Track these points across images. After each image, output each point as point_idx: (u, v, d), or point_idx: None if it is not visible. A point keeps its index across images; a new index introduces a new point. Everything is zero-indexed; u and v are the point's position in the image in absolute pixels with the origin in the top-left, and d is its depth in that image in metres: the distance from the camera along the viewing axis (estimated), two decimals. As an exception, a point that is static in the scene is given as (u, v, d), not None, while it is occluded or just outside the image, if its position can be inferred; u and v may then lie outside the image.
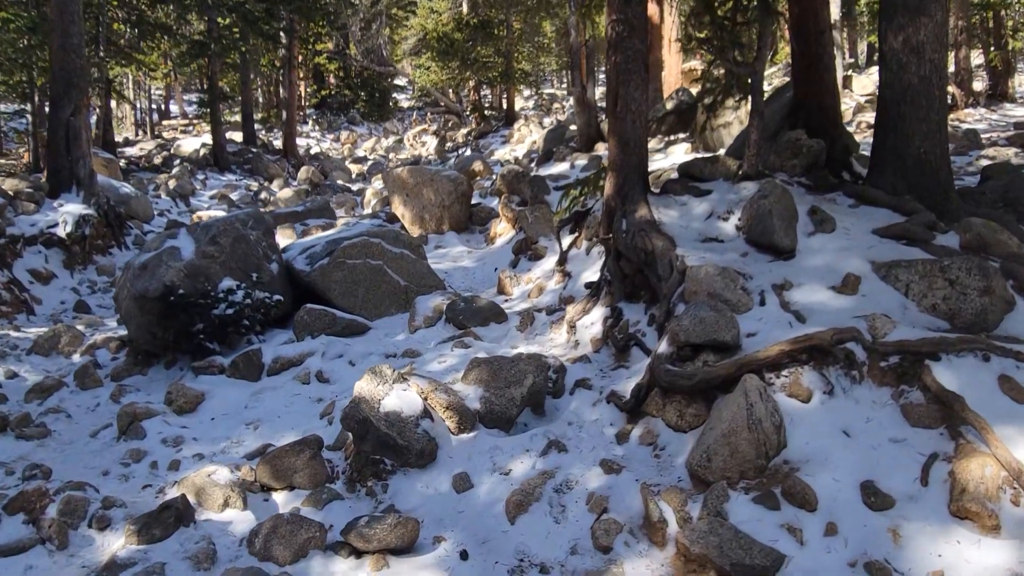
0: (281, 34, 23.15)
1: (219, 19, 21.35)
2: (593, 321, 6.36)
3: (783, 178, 6.32)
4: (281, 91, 25.64)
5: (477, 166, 16.54)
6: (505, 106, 30.13)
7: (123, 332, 7.56)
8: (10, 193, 10.76)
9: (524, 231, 9.10)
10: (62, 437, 5.46)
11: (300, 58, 24.97)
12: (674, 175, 7.47)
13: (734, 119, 9.19)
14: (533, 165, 13.07)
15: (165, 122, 41.66)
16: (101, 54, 18.43)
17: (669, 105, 13.99)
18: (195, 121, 42.79)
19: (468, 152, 27.98)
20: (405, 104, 47.83)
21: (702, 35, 6.18)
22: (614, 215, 6.27)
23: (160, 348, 6.82)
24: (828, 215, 5.52)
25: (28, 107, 24.90)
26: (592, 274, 7.18)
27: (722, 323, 4.62)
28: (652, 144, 12.23)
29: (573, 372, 5.79)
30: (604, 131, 12.21)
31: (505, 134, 27.93)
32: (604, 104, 12.13)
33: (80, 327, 8.37)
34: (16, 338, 7.77)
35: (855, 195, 5.95)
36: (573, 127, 20.24)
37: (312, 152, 28.67)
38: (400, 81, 45.38)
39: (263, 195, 16.85)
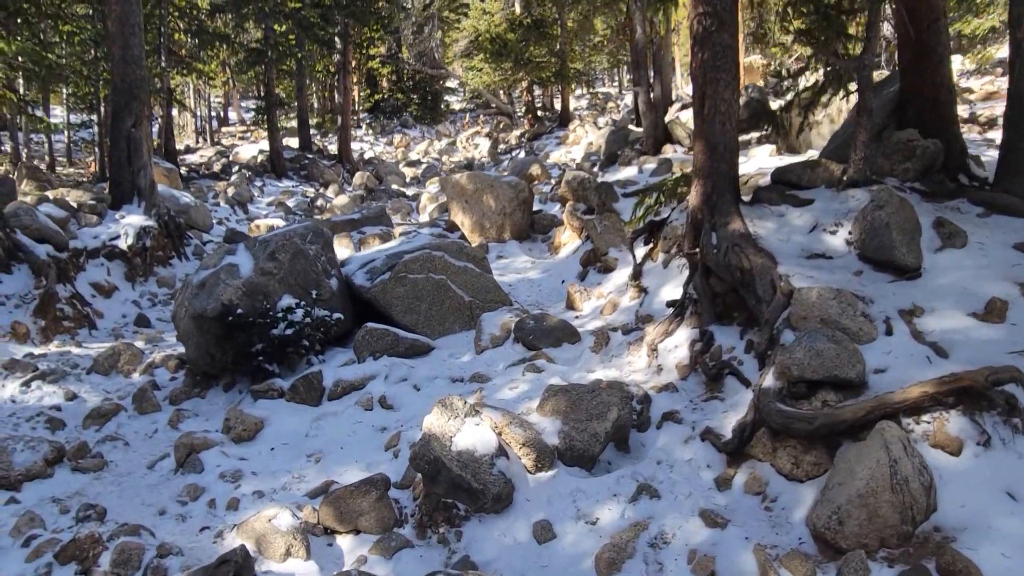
0: (336, 39, 23.14)
1: (275, 26, 21.45)
2: (677, 344, 5.79)
3: (894, 184, 5.63)
4: (336, 96, 25.67)
5: (535, 170, 16.05)
6: (559, 107, 29.52)
7: (182, 350, 7.36)
8: (74, 205, 10.80)
9: (592, 241, 8.57)
10: (118, 468, 5.20)
11: (354, 63, 24.94)
12: (763, 181, 6.83)
13: (823, 117, 8.44)
14: (596, 169, 12.50)
15: (224, 129, 42.61)
16: (163, 64, 18.68)
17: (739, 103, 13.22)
18: (252, 128, 43.67)
19: (521, 154, 27.53)
20: (456, 107, 47.89)
21: (801, 25, 5.54)
22: (700, 227, 5.68)
23: (218, 370, 6.56)
24: (957, 227, 4.83)
25: (95, 118, 25.65)
26: (672, 291, 6.61)
27: (844, 357, 4.01)
28: (723, 145, 11.54)
29: (659, 403, 5.24)
30: (672, 133, 11.58)
31: (560, 135, 27.39)
32: (673, 104, 11.45)
33: (140, 343, 8.23)
34: (77, 356, 7.65)
35: (984, 203, 5.23)
36: (637, 128, 19.62)
37: (366, 156, 28.71)
38: (451, 83, 45.35)
39: (319, 202, 16.76)
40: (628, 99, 38.10)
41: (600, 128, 27.21)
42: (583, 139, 25.75)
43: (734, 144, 5.67)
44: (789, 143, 9.13)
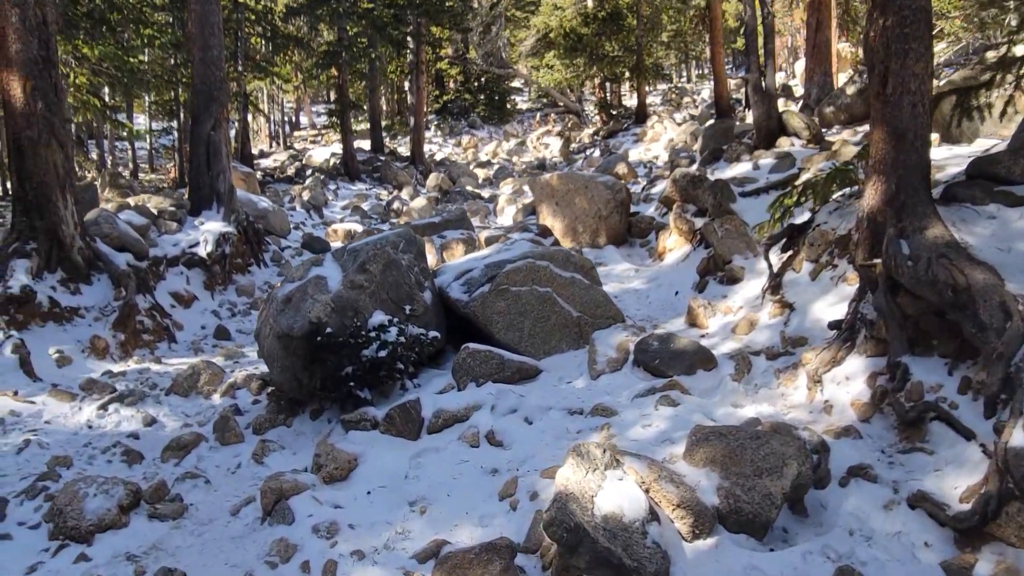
0: (408, 39, 22.70)
1: (348, 28, 21.15)
2: (849, 376, 4.76)
3: None
4: (408, 97, 25.30)
5: (620, 168, 15.06)
6: (635, 103, 28.34)
7: (264, 368, 6.78)
8: (154, 212, 10.49)
9: (712, 247, 7.55)
10: (199, 514, 4.56)
11: (426, 63, 24.48)
12: (942, 176, 5.68)
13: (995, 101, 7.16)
14: (696, 167, 11.42)
15: (296, 133, 43.21)
16: (240, 68, 18.57)
17: (851, 90, 11.89)
18: (323, 131, 44.16)
19: (596, 153, 26.50)
20: (523, 107, 47.23)
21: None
22: (881, 233, 4.63)
23: (305, 395, 5.90)
24: None
25: (175, 124, 26.09)
26: (829, 308, 5.55)
27: None
28: (846, 135, 10.27)
29: (840, 452, 4.23)
30: (788, 124, 10.40)
31: (637, 132, 26.21)
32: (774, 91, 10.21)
33: (219, 359, 7.72)
34: (156, 374, 7.17)
35: None
36: (722, 120, 18.34)
37: (436, 158, 28.29)
38: (515, 83, 44.70)
39: (395, 205, 16.24)
40: (704, 93, 36.53)
41: (680, 124, 25.93)
42: (663, 135, 24.53)
43: (926, 131, 4.59)
44: (944, 134, 7.87)
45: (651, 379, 5.60)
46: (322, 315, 5.79)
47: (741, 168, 9.75)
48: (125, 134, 13.37)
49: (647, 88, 28.90)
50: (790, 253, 6.43)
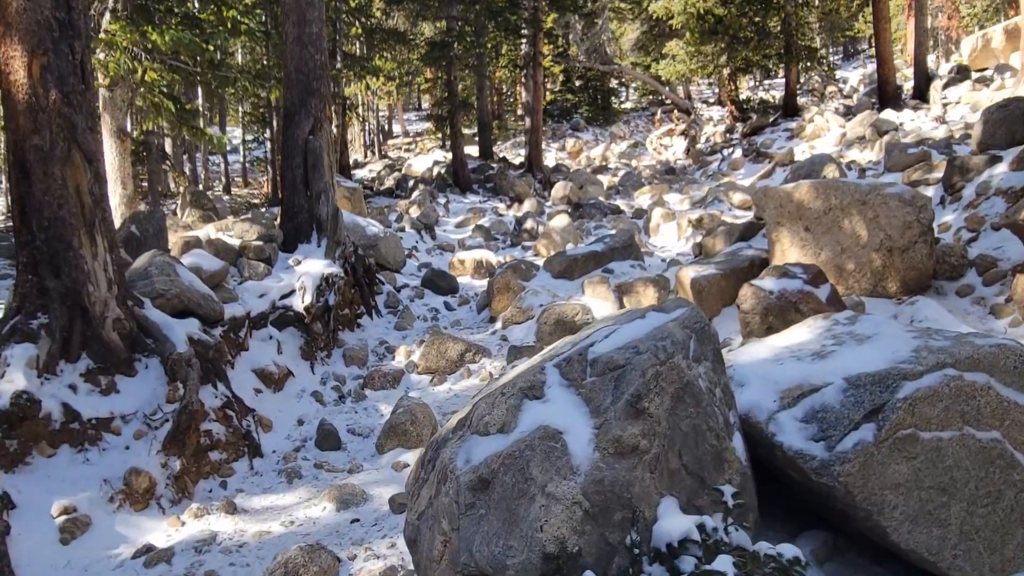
0: (522, 28, 19.58)
1: (458, 15, 18.24)
2: None
3: None
4: (522, 94, 22.20)
5: (829, 170, 11.28)
6: (784, 93, 24.16)
7: (403, 548, 3.66)
8: (235, 245, 7.65)
9: None
10: None
11: (553, 54, 21.29)
12: None
13: None
14: (1008, 165, 7.57)
15: (389, 142, 41.23)
16: (339, 65, 15.95)
17: None
18: (416, 139, 42.00)
19: (737, 153, 22.51)
20: (627, 106, 43.70)
21: None
22: None
23: None
24: None
25: (267, 133, 24.06)
26: None
27: None
28: None
29: None
30: None
31: (790, 127, 22.06)
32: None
33: (327, 507, 4.62)
34: (227, 545, 4.14)
35: None
36: (919, 108, 14.17)
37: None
38: (612, 83, 41.12)
39: (527, 224, 13.03)
40: (852, 79, 31.67)
41: (844, 115, 21.58)
42: (827, 131, 20.32)
43: None
44: None
45: None
46: (567, 532, 2.53)
47: None
48: (209, 145, 10.75)
49: (795, 77, 24.61)
50: None
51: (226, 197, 26.88)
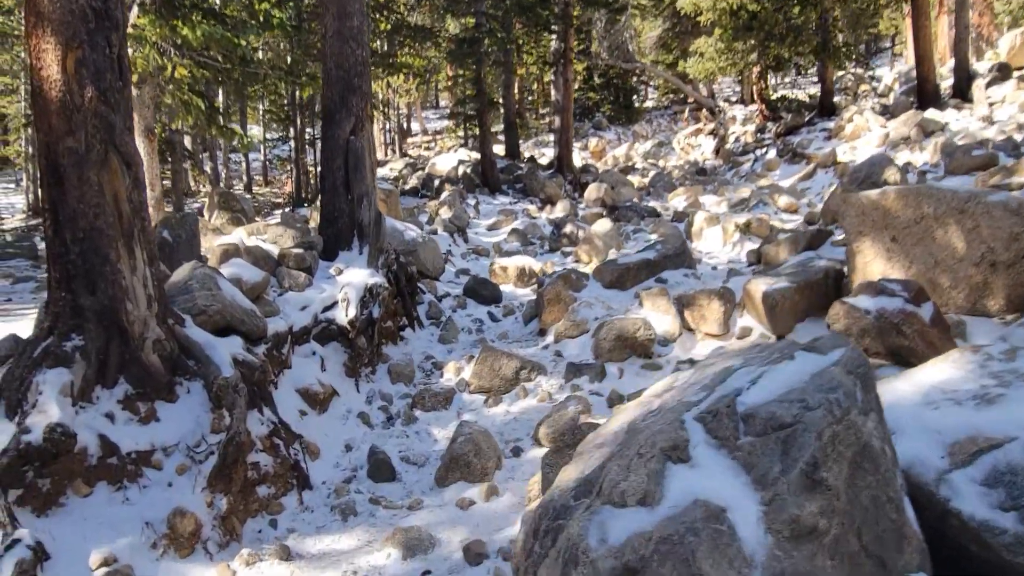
0: (552, 22, 19.02)
1: (487, 9, 17.72)
2: None
3: None
4: (552, 92, 21.66)
5: (890, 174, 10.65)
6: (820, 91, 23.44)
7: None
8: (274, 255, 7.18)
9: None
10: None
11: (575, 52, 20.73)
12: None
13: None
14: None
15: (408, 140, 40.85)
16: (366, 62, 15.46)
17: None
18: (436, 137, 41.56)
19: (771, 154, 21.84)
20: (648, 104, 43.13)
21: None
22: None
23: None
24: None
25: (291, 132, 23.65)
26: None
27: None
28: None
29: None
30: None
31: (828, 128, 21.34)
32: None
33: (392, 553, 4.12)
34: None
35: None
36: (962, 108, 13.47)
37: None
38: (632, 81, 40.48)
39: (567, 228, 12.48)
40: (887, 78, 30.79)
41: (885, 115, 20.83)
42: (868, 131, 19.61)
43: None
44: None
45: None
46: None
47: None
48: (236, 143, 10.31)
49: (831, 75, 23.84)
50: None
51: (248, 196, 26.55)
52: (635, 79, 40.19)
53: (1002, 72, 21.34)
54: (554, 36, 19.40)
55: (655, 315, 7.36)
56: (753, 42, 23.27)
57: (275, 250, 7.42)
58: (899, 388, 3.47)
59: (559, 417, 5.44)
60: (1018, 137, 13.63)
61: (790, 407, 2.43)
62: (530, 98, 41.23)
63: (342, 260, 7.42)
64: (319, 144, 8.36)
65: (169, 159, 15.22)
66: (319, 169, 8.12)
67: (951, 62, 26.65)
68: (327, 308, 6.71)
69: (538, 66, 22.26)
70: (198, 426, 4.60)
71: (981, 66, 22.84)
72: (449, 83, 31.54)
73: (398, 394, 6.71)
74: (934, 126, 17.11)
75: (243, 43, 9.04)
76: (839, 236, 8.87)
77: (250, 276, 6.05)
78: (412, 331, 7.93)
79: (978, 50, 30.41)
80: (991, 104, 18.40)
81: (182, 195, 15.46)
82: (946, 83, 22.34)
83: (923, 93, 20.72)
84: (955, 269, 6.18)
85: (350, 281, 7.00)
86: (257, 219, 13.76)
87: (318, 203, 8.00)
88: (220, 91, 17.97)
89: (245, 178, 26.57)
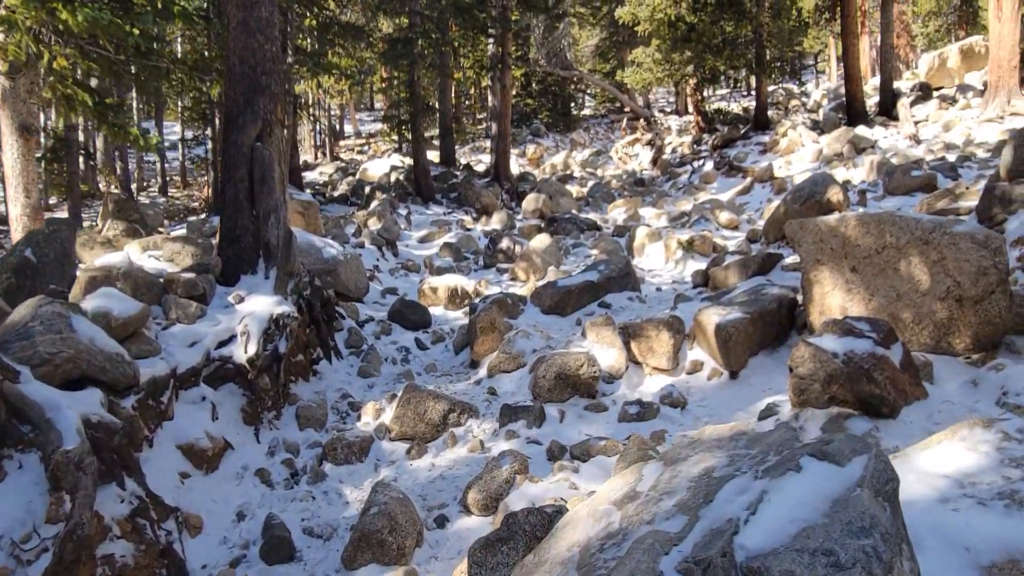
0: (489, 26, 18.32)
1: (422, 10, 16.85)
2: None
3: None
4: (489, 98, 20.93)
5: (833, 193, 10.38)
6: (755, 105, 23.56)
7: None
8: (161, 284, 6.11)
9: None
10: None
11: (513, 57, 20.07)
12: None
13: None
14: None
15: (341, 143, 39.42)
16: (290, 60, 14.36)
17: None
18: (370, 140, 40.24)
19: (708, 166, 21.75)
20: (584, 112, 43.18)
21: None
22: None
23: None
24: None
25: (209, 132, 22.07)
26: None
27: None
28: None
29: None
30: None
31: (762, 141, 21.41)
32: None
33: None
34: None
35: None
36: (889, 125, 13.62)
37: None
38: (570, 89, 40.43)
39: (503, 243, 11.71)
40: (816, 94, 31.48)
41: (816, 130, 21.01)
42: (802, 147, 19.70)
43: None
44: None
45: None
46: None
47: None
48: (132, 144, 9.15)
49: (765, 89, 24.01)
50: None
51: (162, 199, 24.70)
52: (573, 87, 40.06)
53: (923, 92, 21.96)
54: (491, 40, 18.71)
55: (599, 348, 6.68)
56: (690, 54, 23.25)
57: (165, 268, 6.37)
58: (904, 478, 2.85)
59: (491, 479, 4.66)
60: (950, 157, 13.75)
61: (813, 564, 1.73)
62: (467, 103, 40.57)
63: (244, 286, 6.44)
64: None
65: (64, 160, 13.71)
66: (221, 180, 7.12)
67: (873, 80, 27.48)
68: (222, 343, 5.73)
69: (475, 71, 21.52)
70: (28, 514, 3.59)
71: (903, 85, 23.51)
72: (384, 85, 30.44)
73: (306, 443, 5.78)
74: (865, 143, 17.26)
75: (136, 32, 7.91)
76: (788, 259, 8.45)
77: (122, 309, 5.02)
78: (329, 363, 7.00)
79: (896, 69, 31.48)
80: (917, 123, 18.77)
81: (79, 200, 13.93)
82: (871, 100, 22.88)
83: (852, 110, 21.03)
84: (919, 304, 5.74)
85: (252, 310, 6.03)
86: (161, 229, 12.46)
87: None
88: (112, 85, 16.43)
89: (160, 179, 24.76)
